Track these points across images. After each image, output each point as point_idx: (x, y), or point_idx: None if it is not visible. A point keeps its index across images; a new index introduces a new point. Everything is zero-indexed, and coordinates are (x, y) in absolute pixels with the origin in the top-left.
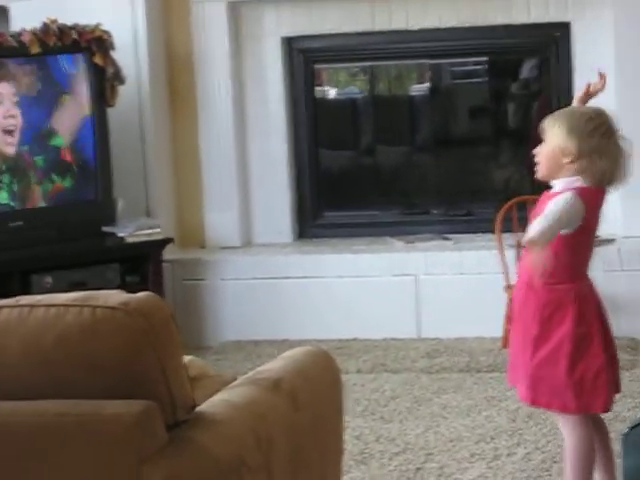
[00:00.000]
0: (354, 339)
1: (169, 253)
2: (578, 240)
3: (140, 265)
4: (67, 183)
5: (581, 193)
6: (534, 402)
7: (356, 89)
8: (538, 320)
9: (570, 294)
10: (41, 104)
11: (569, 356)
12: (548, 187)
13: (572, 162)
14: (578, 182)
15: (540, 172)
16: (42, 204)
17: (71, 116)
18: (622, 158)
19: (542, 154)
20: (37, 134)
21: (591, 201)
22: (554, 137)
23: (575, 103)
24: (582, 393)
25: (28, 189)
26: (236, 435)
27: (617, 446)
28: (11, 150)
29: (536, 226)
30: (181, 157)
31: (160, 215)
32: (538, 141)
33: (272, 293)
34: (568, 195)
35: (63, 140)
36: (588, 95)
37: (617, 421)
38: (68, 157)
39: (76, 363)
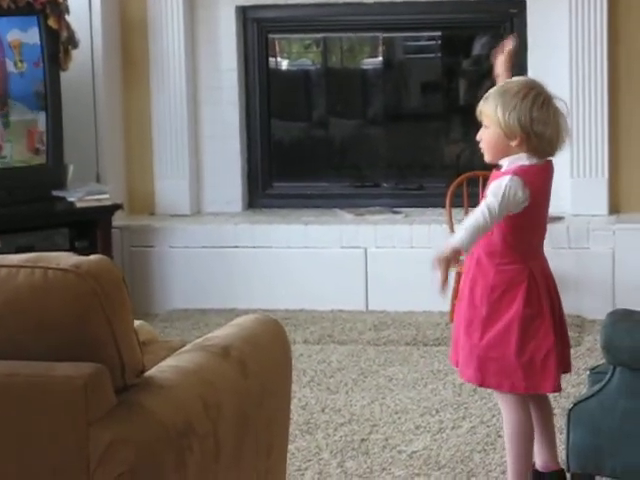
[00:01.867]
0: (301, 310)
1: (118, 219)
2: (526, 220)
3: (89, 230)
4: None
5: (523, 174)
6: (483, 383)
7: (309, 61)
8: (486, 302)
9: (520, 275)
10: None
11: (518, 337)
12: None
13: (520, 142)
14: (522, 160)
15: (487, 157)
16: None
17: None
18: (562, 122)
19: (485, 140)
20: None
21: (536, 180)
22: (494, 120)
23: (499, 70)
24: (531, 373)
25: None
26: (185, 401)
27: (561, 421)
28: None
29: (463, 231)
30: (133, 124)
31: (110, 181)
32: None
33: (221, 262)
34: (506, 180)
35: None
36: (509, 57)
37: (561, 397)
38: None
39: (26, 324)
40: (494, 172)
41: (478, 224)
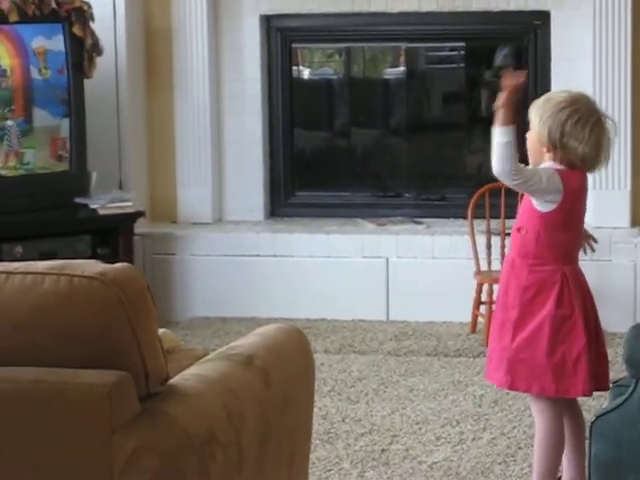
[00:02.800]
0: (322, 319)
1: (141, 227)
2: (559, 221)
3: (111, 238)
4: None
5: (558, 171)
6: (512, 386)
7: (331, 70)
8: (519, 303)
9: (553, 276)
10: None
11: (549, 338)
12: None
13: (549, 151)
14: (556, 165)
15: (529, 159)
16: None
17: None
18: (603, 142)
19: (528, 143)
20: None
21: (570, 181)
22: (533, 126)
23: (501, 102)
24: (562, 376)
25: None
26: (208, 409)
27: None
28: None
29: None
30: (156, 132)
31: (133, 189)
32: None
33: (242, 270)
34: (547, 167)
35: None
36: (516, 92)
37: (583, 410)
38: None
39: (52, 331)
40: None
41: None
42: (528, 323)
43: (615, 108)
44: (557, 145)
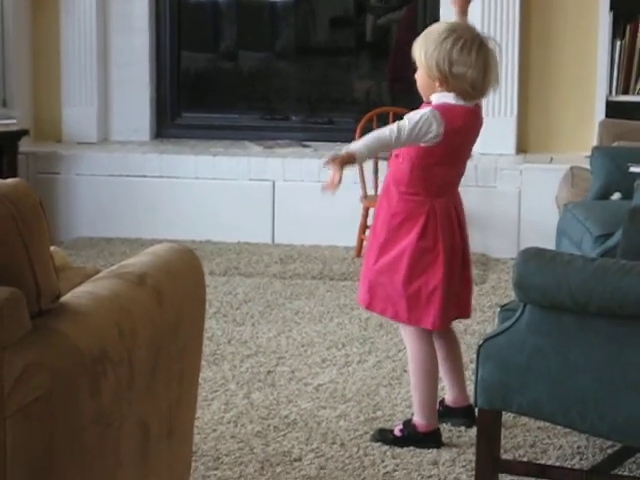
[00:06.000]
0: (208, 241)
1: (25, 145)
2: (436, 156)
3: None
4: None
5: (444, 111)
6: (369, 306)
7: None
8: (386, 227)
9: (421, 207)
10: None
11: (407, 267)
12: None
13: (441, 84)
14: (448, 99)
15: (423, 97)
16: None
17: None
18: (491, 63)
19: (417, 80)
20: None
21: (457, 120)
22: (420, 63)
23: (457, 18)
24: (415, 306)
25: None
26: (100, 327)
27: (466, 357)
28: None
29: (364, 139)
30: (41, 49)
31: (17, 107)
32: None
33: (127, 191)
34: (426, 111)
35: None
36: (463, 6)
37: (466, 334)
38: None
39: None
40: (424, 105)
41: (381, 137)
42: (391, 249)
43: (503, 35)
44: (447, 75)
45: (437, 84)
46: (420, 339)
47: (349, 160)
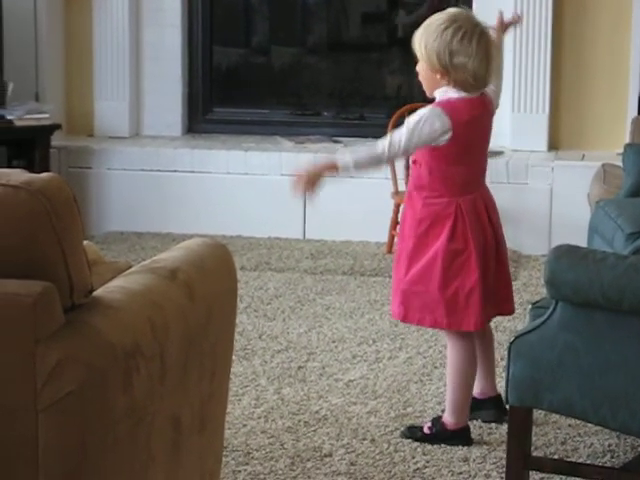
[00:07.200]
0: (239, 236)
1: (57, 139)
2: (451, 153)
3: (27, 150)
4: None
5: (448, 106)
6: (405, 319)
7: None
8: (414, 235)
9: (446, 209)
10: None
11: (442, 271)
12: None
13: (442, 76)
14: (450, 93)
15: (426, 91)
16: None
17: None
18: (491, 53)
19: (420, 75)
20: None
21: (464, 112)
22: (421, 55)
23: (494, 32)
24: (455, 310)
25: None
26: (132, 322)
27: (497, 355)
28: None
29: (356, 153)
30: (74, 43)
31: (49, 101)
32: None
33: (158, 186)
34: (424, 111)
35: None
36: (503, 25)
37: (498, 331)
38: None
39: None
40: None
41: (372, 153)
42: (422, 256)
43: (535, 31)
44: (449, 67)
45: (439, 76)
46: (462, 343)
47: (330, 170)
